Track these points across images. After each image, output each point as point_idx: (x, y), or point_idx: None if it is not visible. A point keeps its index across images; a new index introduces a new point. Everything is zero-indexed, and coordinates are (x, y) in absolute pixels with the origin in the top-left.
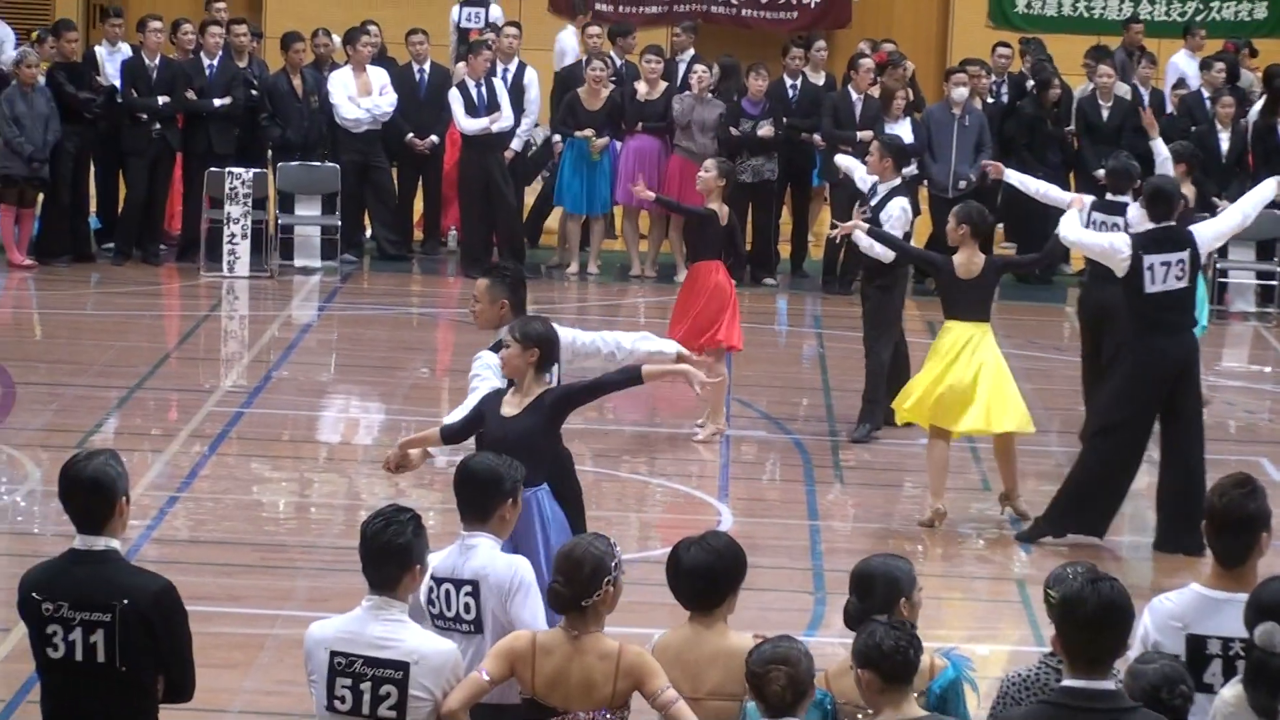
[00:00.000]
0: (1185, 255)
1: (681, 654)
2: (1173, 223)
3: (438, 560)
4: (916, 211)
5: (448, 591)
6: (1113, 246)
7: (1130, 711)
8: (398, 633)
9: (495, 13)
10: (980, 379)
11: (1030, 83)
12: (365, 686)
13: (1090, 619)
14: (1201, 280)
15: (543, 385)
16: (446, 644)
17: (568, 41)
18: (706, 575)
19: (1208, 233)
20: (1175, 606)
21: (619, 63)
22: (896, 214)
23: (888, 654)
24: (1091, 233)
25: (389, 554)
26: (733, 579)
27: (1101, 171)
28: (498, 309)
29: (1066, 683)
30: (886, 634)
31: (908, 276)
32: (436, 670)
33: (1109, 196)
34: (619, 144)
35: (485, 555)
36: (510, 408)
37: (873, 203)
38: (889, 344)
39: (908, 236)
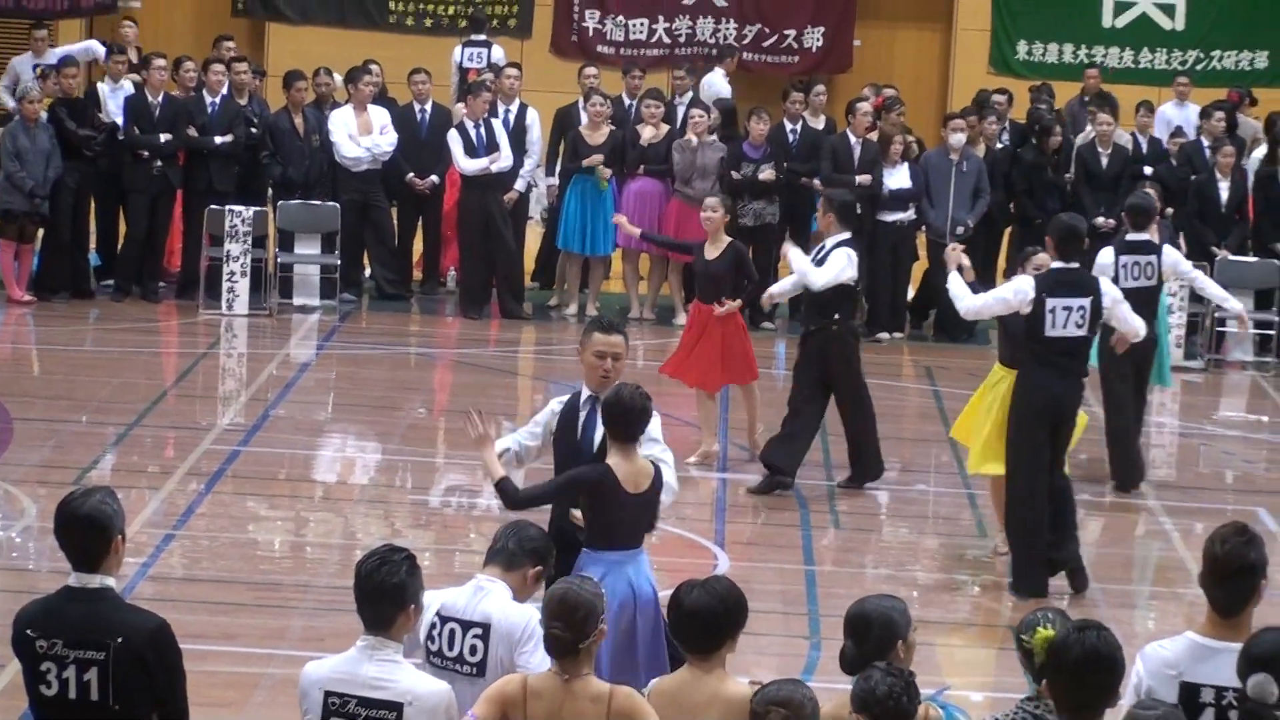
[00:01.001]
0: (1087, 303)
1: (679, 698)
2: (1077, 265)
3: (446, 598)
4: (916, 257)
5: (453, 631)
6: (1016, 292)
7: None
8: (392, 673)
9: (497, 54)
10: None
11: (1036, 128)
12: None
13: (1075, 666)
14: (1164, 336)
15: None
16: (440, 685)
17: (719, 84)
18: (708, 618)
19: (1171, 258)
20: (1170, 654)
21: (629, 103)
22: (840, 263)
23: (881, 700)
24: (986, 295)
25: (384, 594)
26: (734, 623)
27: (1100, 220)
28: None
29: None
30: (882, 680)
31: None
32: (430, 711)
33: (1129, 237)
34: (616, 185)
35: (499, 600)
36: (630, 485)
37: (817, 259)
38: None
39: (856, 283)
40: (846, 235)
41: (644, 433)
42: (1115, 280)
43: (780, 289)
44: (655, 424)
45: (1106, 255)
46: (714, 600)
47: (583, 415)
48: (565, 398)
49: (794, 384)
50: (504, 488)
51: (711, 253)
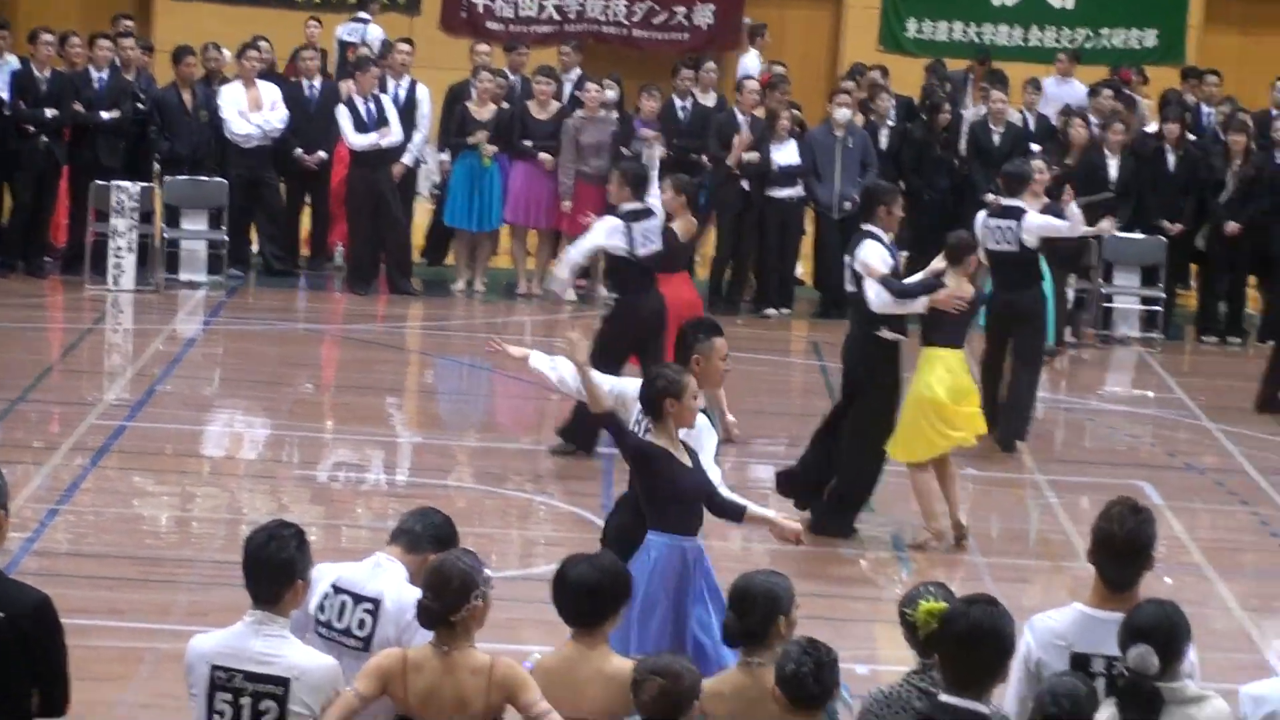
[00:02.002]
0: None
1: (563, 674)
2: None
3: (344, 571)
4: (803, 232)
5: (344, 603)
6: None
7: None
8: (279, 648)
9: (374, 32)
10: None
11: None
12: (245, 701)
13: (961, 637)
14: (1052, 299)
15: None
16: (328, 660)
17: (751, 64)
18: (592, 593)
19: (1033, 222)
20: (1059, 625)
21: (514, 79)
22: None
23: (787, 678)
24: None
25: (272, 569)
26: (618, 598)
27: (990, 196)
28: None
29: (941, 697)
30: (795, 657)
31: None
32: (317, 686)
33: (1004, 201)
34: (506, 162)
35: (394, 579)
36: (682, 457)
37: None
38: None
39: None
40: (638, 206)
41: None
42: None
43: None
44: (713, 434)
45: (978, 218)
46: (598, 574)
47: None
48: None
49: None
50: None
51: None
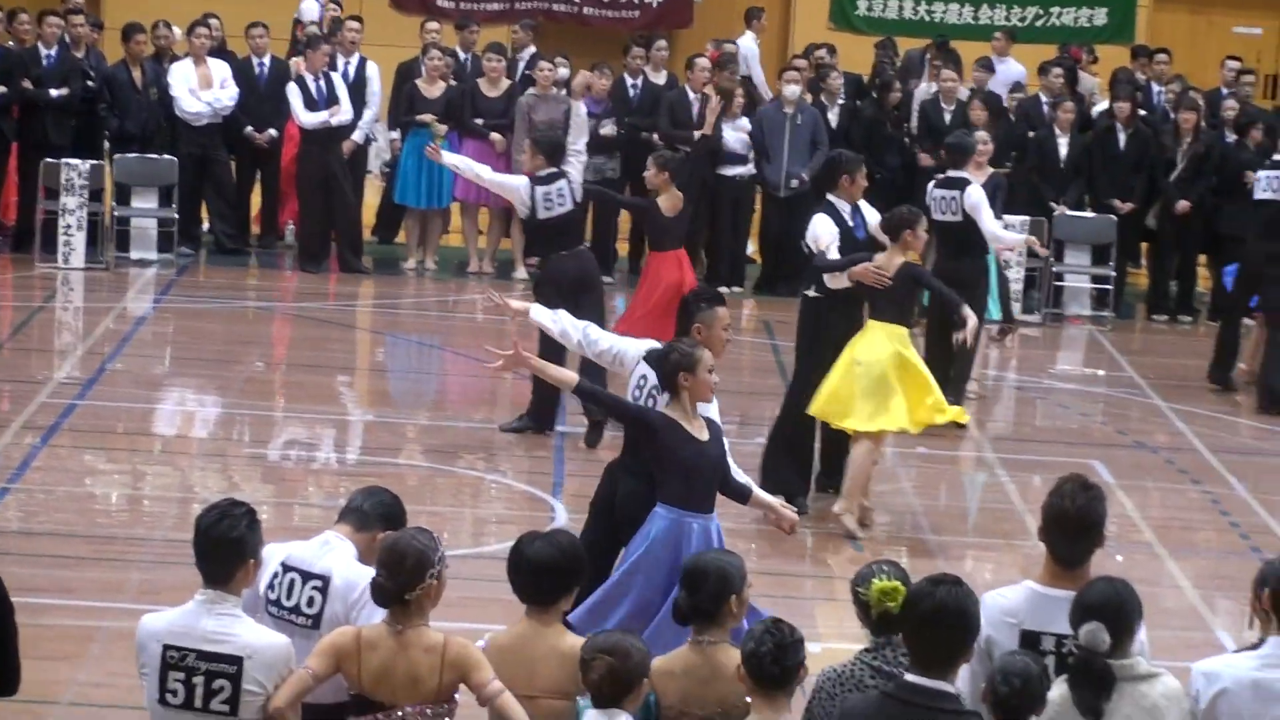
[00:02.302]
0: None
1: (517, 651)
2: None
3: (294, 549)
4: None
5: (293, 580)
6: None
7: (960, 716)
8: (231, 627)
9: (310, 9)
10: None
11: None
12: (198, 680)
13: (926, 617)
14: (990, 275)
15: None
16: (280, 638)
17: (747, 46)
18: (549, 570)
19: (974, 197)
20: (1009, 603)
21: (464, 57)
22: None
23: (749, 657)
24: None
25: (223, 547)
26: (573, 577)
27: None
28: None
29: (908, 678)
30: (758, 637)
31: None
32: (270, 665)
33: (948, 172)
34: (457, 140)
35: (343, 557)
36: (696, 431)
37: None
38: None
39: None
40: (554, 170)
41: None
42: (927, 213)
43: None
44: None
45: (929, 189)
46: (555, 552)
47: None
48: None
49: None
50: (584, 384)
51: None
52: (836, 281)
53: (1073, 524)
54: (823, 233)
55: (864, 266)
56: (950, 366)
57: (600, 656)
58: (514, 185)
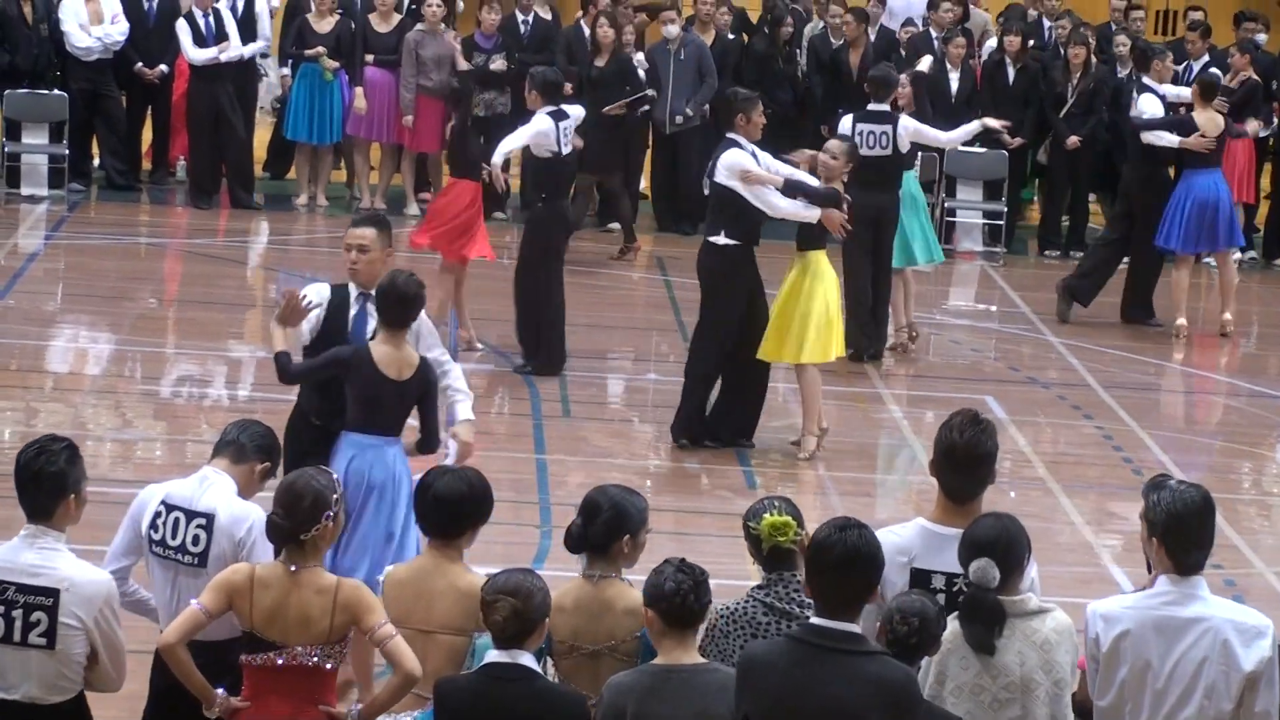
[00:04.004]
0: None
1: (415, 584)
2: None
3: (172, 488)
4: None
5: (177, 520)
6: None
7: (869, 656)
8: (51, 560)
9: None
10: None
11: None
12: (17, 614)
13: (836, 563)
14: (919, 213)
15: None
16: (101, 574)
17: None
18: (455, 504)
19: (910, 125)
20: (901, 540)
21: None
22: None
23: (667, 595)
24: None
25: (42, 481)
26: (479, 512)
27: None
28: (385, 257)
29: (813, 621)
30: (672, 575)
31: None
32: (88, 599)
33: (871, 106)
34: (346, 76)
35: (224, 493)
36: (392, 369)
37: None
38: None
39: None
40: (552, 108)
41: (415, 319)
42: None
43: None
44: (434, 332)
45: (845, 123)
46: (463, 486)
47: (352, 312)
48: (326, 292)
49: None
50: (281, 361)
51: None
52: (802, 212)
53: (962, 458)
54: (749, 165)
55: (837, 213)
56: (868, 294)
57: (503, 598)
58: (543, 130)
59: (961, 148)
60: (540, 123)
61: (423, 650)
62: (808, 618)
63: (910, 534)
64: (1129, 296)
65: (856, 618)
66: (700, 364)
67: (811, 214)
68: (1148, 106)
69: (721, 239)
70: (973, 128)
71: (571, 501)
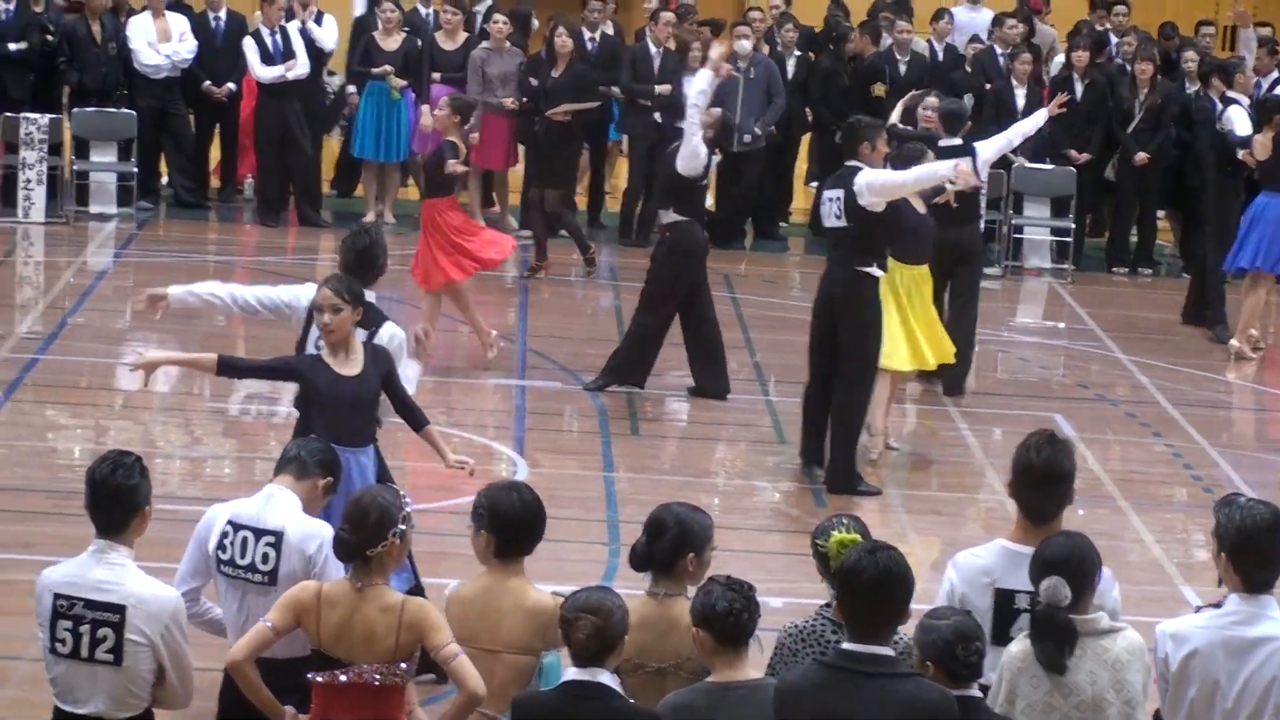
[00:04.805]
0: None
1: (480, 604)
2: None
3: (237, 507)
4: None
5: (245, 539)
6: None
7: (903, 678)
8: (120, 576)
9: None
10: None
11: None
12: (84, 629)
13: (868, 586)
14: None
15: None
16: (167, 590)
17: None
18: (517, 524)
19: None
20: (983, 561)
21: (425, 12)
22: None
23: (720, 615)
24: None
25: (117, 497)
26: (537, 530)
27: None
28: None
29: (845, 646)
30: (722, 595)
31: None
32: (154, 616)
33: (942, 142)
34: (413, 94)
35: (290, 510)
36: (345, 368)
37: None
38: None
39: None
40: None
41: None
42: None
43: None
44: (402, 349)
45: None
46: (523, 507)
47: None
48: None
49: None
50: (225, 359)
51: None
52: (935, 175)
53: (1040, 477)
54: (882, 173)
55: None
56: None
57: (584, 616)
58: (697, 148)
59: (1029, 165)
60: (695, 143)
61: (488, 669)
62: None
63: (991, 554)
64: (1194, 300)
65: (888, 641)
66: (858, 414)
67: (944, 167)
68: (1236, 118)
69: (875, 270)
70: (1036, 122)
71: (639, 519)
